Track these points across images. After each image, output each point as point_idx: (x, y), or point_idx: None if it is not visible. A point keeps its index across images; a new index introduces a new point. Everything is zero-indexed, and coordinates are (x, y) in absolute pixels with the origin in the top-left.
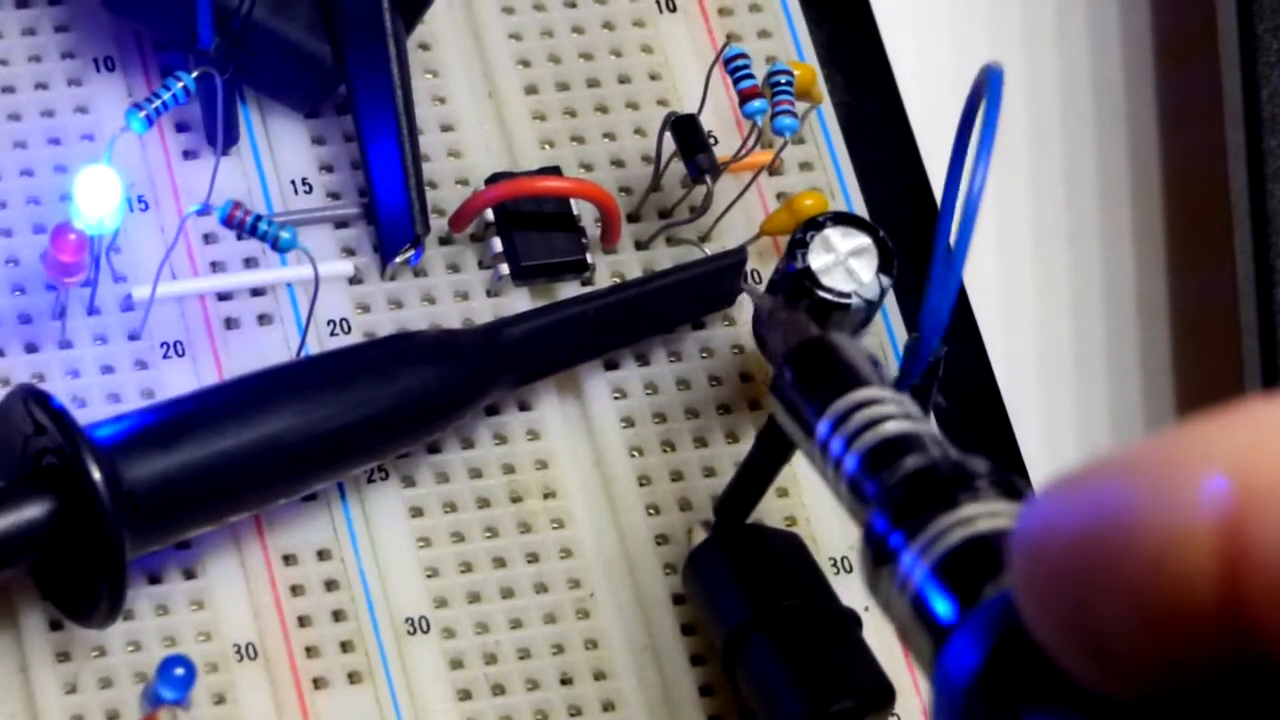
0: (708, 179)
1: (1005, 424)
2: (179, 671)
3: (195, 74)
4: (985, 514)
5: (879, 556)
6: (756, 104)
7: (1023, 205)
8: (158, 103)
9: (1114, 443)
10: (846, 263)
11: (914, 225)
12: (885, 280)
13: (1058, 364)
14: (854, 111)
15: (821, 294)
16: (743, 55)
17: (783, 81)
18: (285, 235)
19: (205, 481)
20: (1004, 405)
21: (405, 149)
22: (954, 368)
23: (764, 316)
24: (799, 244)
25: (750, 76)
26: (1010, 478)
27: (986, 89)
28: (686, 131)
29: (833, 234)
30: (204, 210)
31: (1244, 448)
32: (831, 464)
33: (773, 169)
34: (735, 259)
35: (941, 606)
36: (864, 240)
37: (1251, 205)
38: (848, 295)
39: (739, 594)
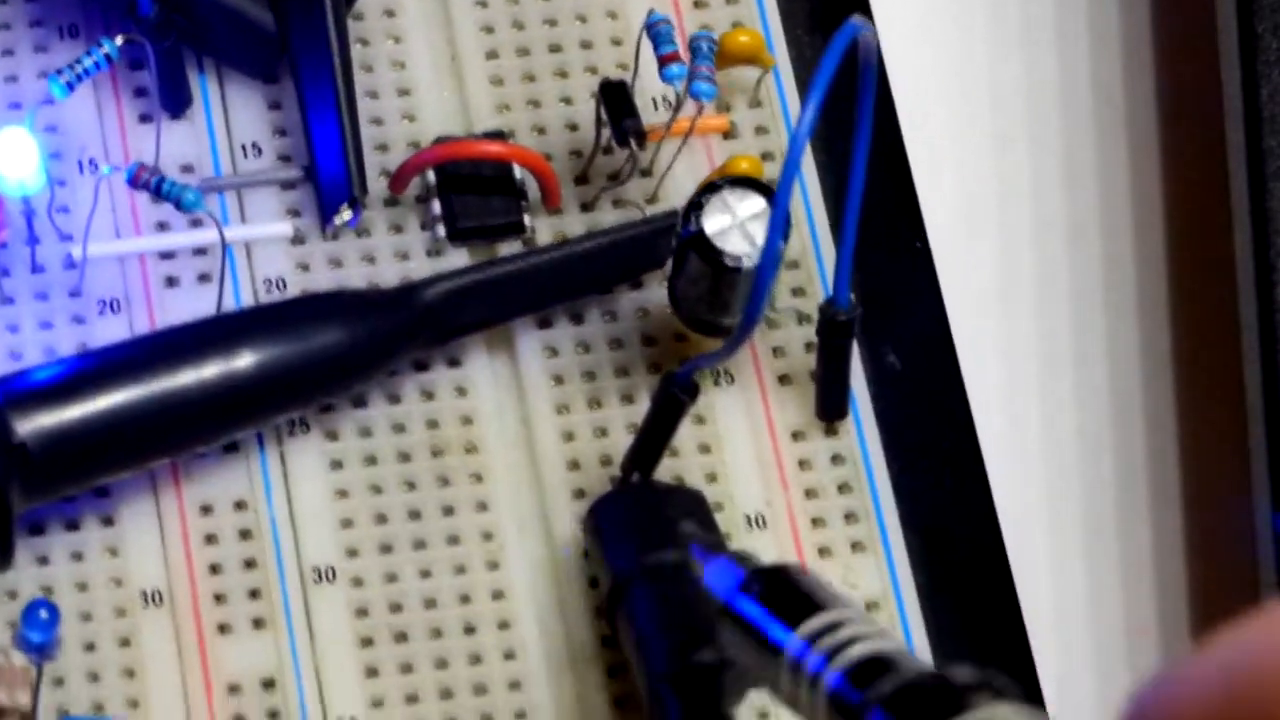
0: (633, 143)
1: (962, 398)
2: (43, 615)
3: (120, 41)
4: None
5: None
6: (674, 69)
7: (1023, 204)
8: (79, 68)
9: (1114, 443)
10: (743, 226)
11: (900, 219)
12: (780, 245)
13: (1057, 364)
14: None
15: (716, 257)
16: (664, 21)
17: (704, 48)
18: (189, 196)
19: (103, 435)
20: (960, 371)
21: (343, 112)
22: (910, 328)
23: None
24: (695, 207)
25: (670, 42)
26: (999, 683)
27: (836, 37)
28: (615, 97)
29: (730, 196)
30: (120, 173)
31: None
32: (808, 679)
33: (726, 133)
34: (667, 222)
35: None
36: (761, 204)
37: (1251, 205)
38: (739, 259)
39: (626, 547)
